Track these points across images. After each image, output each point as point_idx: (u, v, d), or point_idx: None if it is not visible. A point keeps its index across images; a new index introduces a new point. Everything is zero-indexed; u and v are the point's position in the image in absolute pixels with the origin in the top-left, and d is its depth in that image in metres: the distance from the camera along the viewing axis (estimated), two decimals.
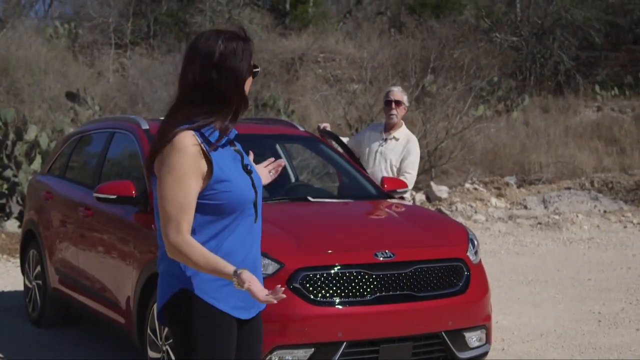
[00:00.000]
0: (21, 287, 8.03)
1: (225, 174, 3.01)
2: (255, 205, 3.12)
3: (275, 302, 2.94)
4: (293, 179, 7.40)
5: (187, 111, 3.02)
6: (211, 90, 3.01)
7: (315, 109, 20.08)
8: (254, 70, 3.09)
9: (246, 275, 2.94)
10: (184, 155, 2.94)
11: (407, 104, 7.36)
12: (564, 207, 14.57)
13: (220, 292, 3.07)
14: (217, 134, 3.03)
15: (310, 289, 4.86)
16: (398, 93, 7.27)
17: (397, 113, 7.20)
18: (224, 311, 3.08)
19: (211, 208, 3.01)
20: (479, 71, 20.64)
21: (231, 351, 3.13)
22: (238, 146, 3.21)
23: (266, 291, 2.94)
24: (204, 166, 2.98)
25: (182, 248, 2.97)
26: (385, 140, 7.21)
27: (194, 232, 3.02)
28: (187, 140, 2.96)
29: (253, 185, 3.12)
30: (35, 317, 7.25)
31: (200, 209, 3.00)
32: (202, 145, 2.98)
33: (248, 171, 3.13)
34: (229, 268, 2.96)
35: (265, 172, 3.50)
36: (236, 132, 3.14)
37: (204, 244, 3.01)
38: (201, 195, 3.00)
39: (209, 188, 2.99)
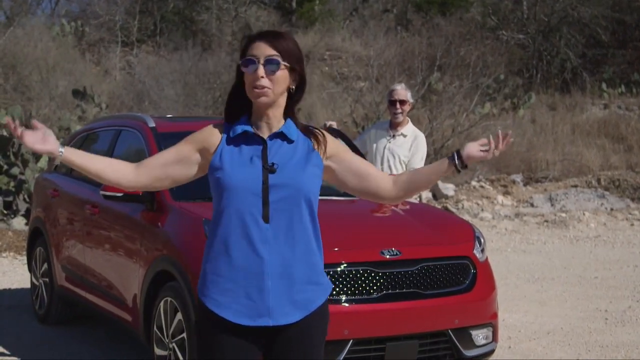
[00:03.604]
0: (28, 285, 8.04)
1: (222, 163, 3.01)
2: (265, 202, 2.97)
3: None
4: None
5: None
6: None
7: (321, 107, 20.08)
8: (244, 63, 3.00)
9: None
10: (198, 131, 3.11)
11: (411, 100, 7.33)
12: (571, 205, 14.55)
13: (208, 289, 3.00)
14: (239, 128, 3.06)
15: None
16: (402, 91, 7.25)
17: (402, 112, 7.20)
18: (210, 308, 2.98)
19: (212, 189, 3.06)
20: (485, 69, 20.61)
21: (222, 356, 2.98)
22: (276, 147, 3.04)
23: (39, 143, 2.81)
24: (210, 147, 3.06)
25: None
26: (393, 137, 7.20)
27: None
28: (211, 125, 3.11)
29: (265, 182, 2.97)
30: (41, 315, 7.26)
31: (211, 190, 3.08)
32: (222, 133, 3.07)
33: (269, 169, 2.99)
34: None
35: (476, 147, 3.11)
36: (281, 131, 3.04)
37: (212, 222, 3.06)
38: (209, 178, 3.07)
39: (209, 172, 3.06)
